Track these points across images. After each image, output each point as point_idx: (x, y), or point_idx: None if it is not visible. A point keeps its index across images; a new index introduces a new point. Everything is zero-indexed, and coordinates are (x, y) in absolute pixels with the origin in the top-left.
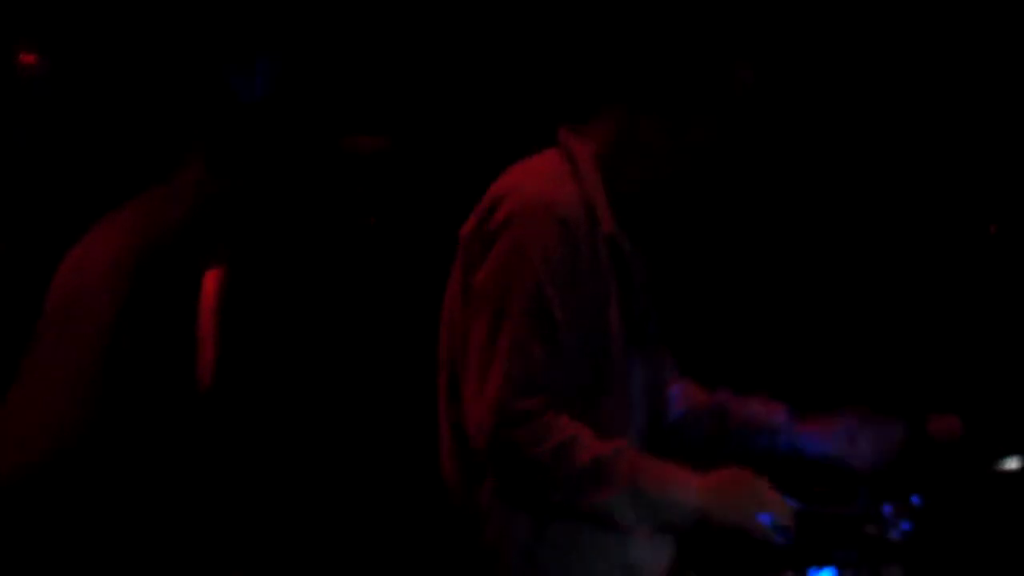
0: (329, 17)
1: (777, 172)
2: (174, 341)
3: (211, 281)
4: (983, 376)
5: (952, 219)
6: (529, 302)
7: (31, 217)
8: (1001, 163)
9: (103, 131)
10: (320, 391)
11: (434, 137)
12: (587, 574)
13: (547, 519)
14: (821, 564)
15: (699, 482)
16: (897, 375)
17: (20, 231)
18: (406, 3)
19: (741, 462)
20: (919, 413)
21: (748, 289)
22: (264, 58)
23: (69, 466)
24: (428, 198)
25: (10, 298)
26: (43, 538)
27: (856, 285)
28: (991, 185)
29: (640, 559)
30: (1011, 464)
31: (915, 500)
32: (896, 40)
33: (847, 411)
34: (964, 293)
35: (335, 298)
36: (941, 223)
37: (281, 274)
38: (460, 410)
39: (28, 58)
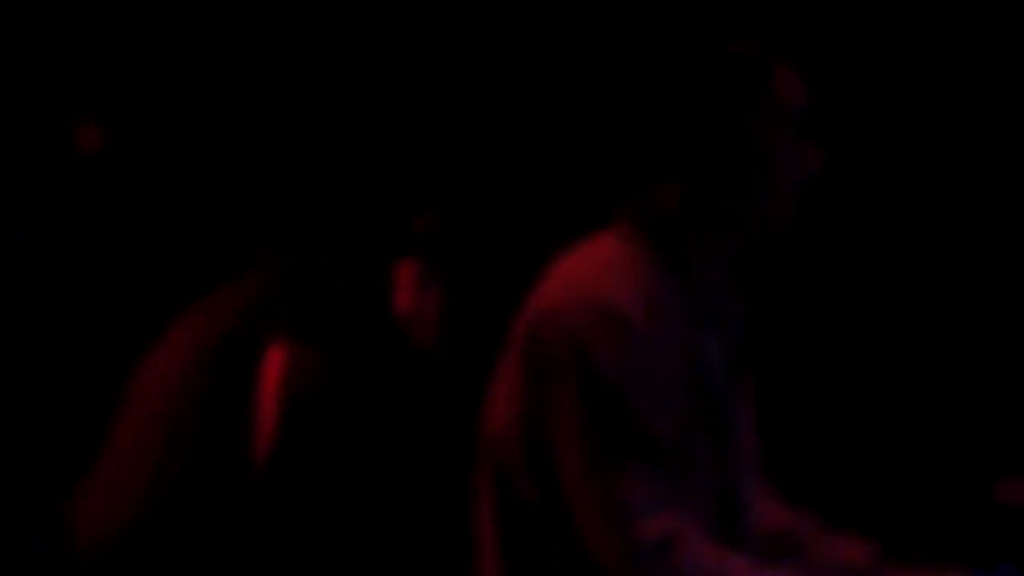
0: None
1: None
2: (239, 426)
3: (275, 361)
4: None
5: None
6: (618, 419)
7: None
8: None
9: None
10: (371, 485)
11: (481, 213)
12: None
13: None
14: None
15: None
16: (964, 441)
17: (108, 315)
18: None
19: None
20: (987, 479)
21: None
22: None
23: (146, 537)
24: (482, 279)
25: (96, 383)
26: None
27: (926, 339)
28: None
29: None
30: None
31: (1007, 568)
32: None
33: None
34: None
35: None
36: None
37: (347, 360)
38: (508, 515)
39: (87, 134)
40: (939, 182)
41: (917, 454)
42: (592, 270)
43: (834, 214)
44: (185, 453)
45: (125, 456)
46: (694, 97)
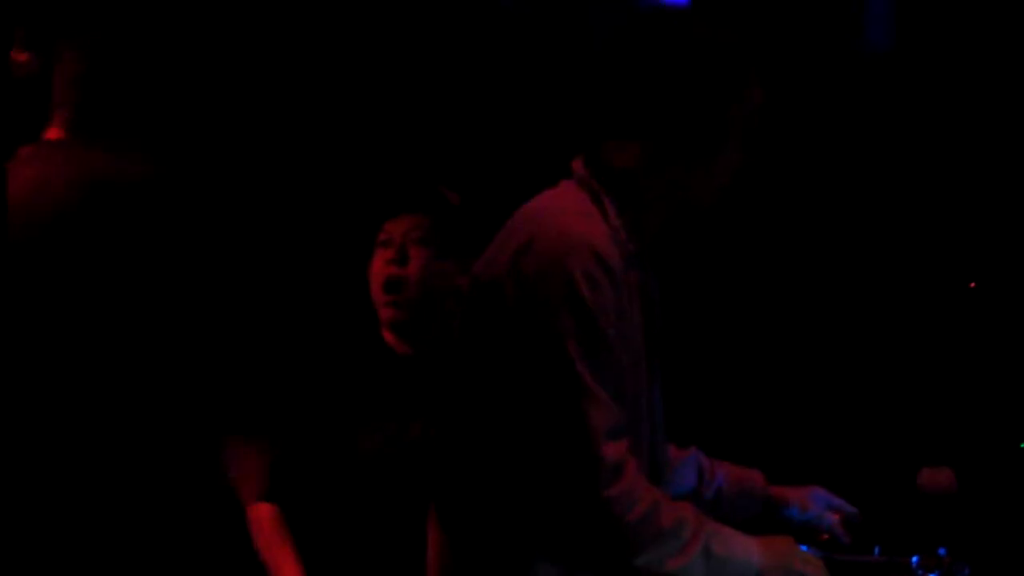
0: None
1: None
2: None
3: None
4: (976, 427)
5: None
6: (593, 349)
7: None
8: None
9: None
10: None
11: (444, 168)
12: None
13: None
14: None
15: (758, 543)
16: (890, 427)
17: None
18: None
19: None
20: (912, 465)
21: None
22: None
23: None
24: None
25: None
26: None
27: (851, 334)
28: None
29: None
30: None
31: (942, 552)
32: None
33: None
34: (953, 344)
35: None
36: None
37: None
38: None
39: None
40: (892, 176)
41: (844, 443)
42: (566, 211)
43: (781, 207)
44: None
45: None
46: (685, 66)
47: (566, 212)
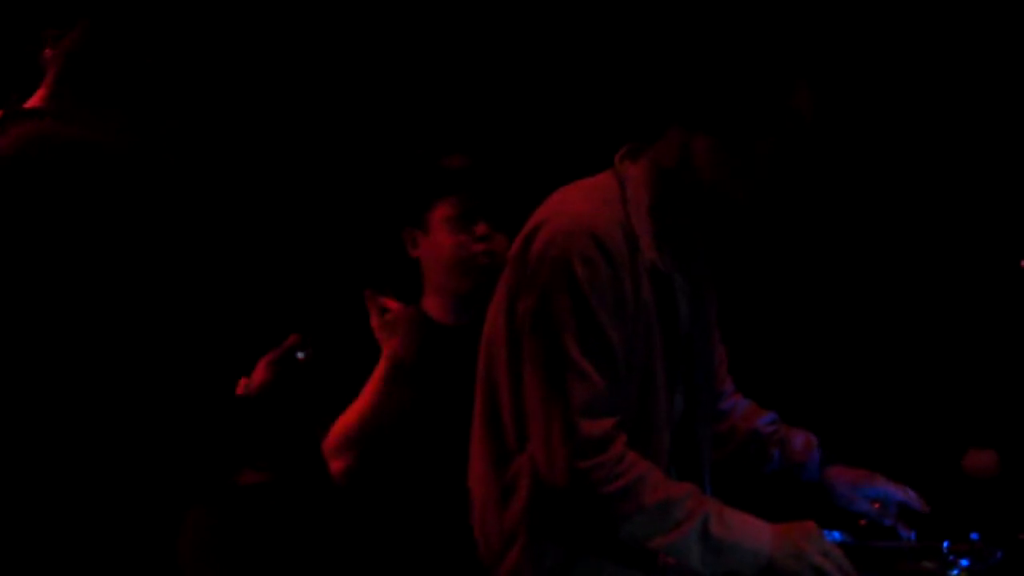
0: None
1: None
2: None
3: None
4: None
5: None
6: (583, 327)
7: None
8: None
9: None
10: None
11: (496, 156)
12: None
13: (577, 551)
14: None
15: (772, 530)
16: (935, 411)
17: None
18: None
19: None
20: (957, 448)
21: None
22: None
23: None
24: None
25: None
26: None
27: (898, 320)
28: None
29: None
30: None
31: (974, 537)
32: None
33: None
34: (997, 330)
35: None
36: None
37: None
38: (500, 433)
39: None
40: (904, 175)
41: (889, 426)
42: (583, 197)
43: (811, 207)
44: None
45: None
46: (741, 67)
47: (582, 199)
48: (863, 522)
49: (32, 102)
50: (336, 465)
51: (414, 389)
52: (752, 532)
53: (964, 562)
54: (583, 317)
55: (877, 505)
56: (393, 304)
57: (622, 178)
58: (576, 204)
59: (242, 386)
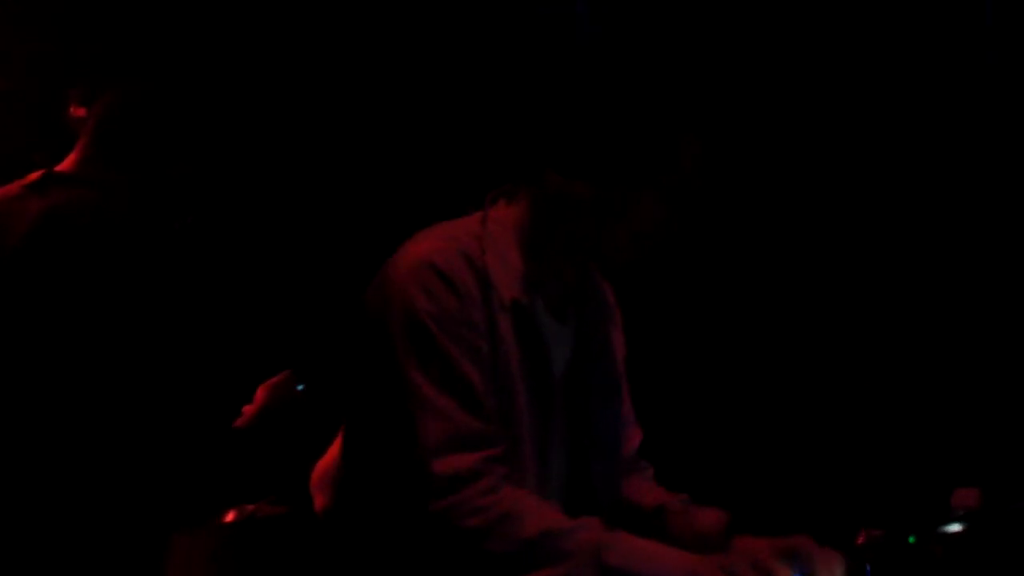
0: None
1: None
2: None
3: None
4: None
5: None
6: (431, 360)
7: None
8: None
9: None
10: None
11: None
12: None
13: None
14: None
15: (691, 561)
16: (924, 446)
17: None
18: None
19: None
20: (943, 486)
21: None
22: None
23: None
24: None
25: None
26: None
27: (885, 353)
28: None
29: None
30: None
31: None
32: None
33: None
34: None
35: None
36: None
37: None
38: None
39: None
40: (911, 184)
41: (878, 461)
42: (428, 236)
43: (801, 219)
44: None
45: None
46: (622, 116)
47: (425, 237)
48: (861, 540)
49: (66, 166)
50: (319, 501)
51: None
52: (661, 563)
53: None
54: (430, 349)
55: None
56: None
57: (485, 217)
58: (414, 247)
59: (244, 415)
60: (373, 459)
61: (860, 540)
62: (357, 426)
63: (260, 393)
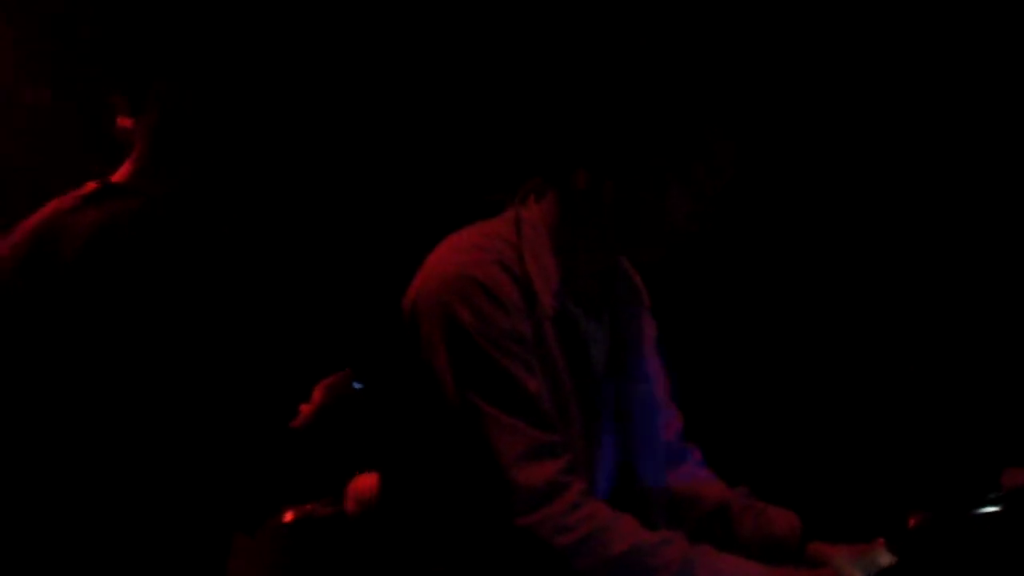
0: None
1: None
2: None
3: None
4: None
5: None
6: (486, 374)
7: None
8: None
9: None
10: None
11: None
12: None
13: None
14: None
15: (772, 573)
16: (975, 427)
17: None
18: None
19: None
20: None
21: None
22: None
23: None
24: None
25: None
26: None
27: (933, 336)
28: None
29: None
30: None
31: None
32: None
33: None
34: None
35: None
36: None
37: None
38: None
39: None
40: (928, 180)
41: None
42: (465, 249)
43: (832, 214)
44: None
45: None
46: (649, 114)
47: (460, 249)
48: (913, 523)
49: (121, 176)
50: (351, 506)
51: None
52: (751, 573)
53: None
54: (488, 370)
55: None
56: None
57: (519, 220)
58: (452, 258)
59: (302, 414)
60: (435, 471)
61: (911, 524)
62: (414, 437)
63: (317, 393)
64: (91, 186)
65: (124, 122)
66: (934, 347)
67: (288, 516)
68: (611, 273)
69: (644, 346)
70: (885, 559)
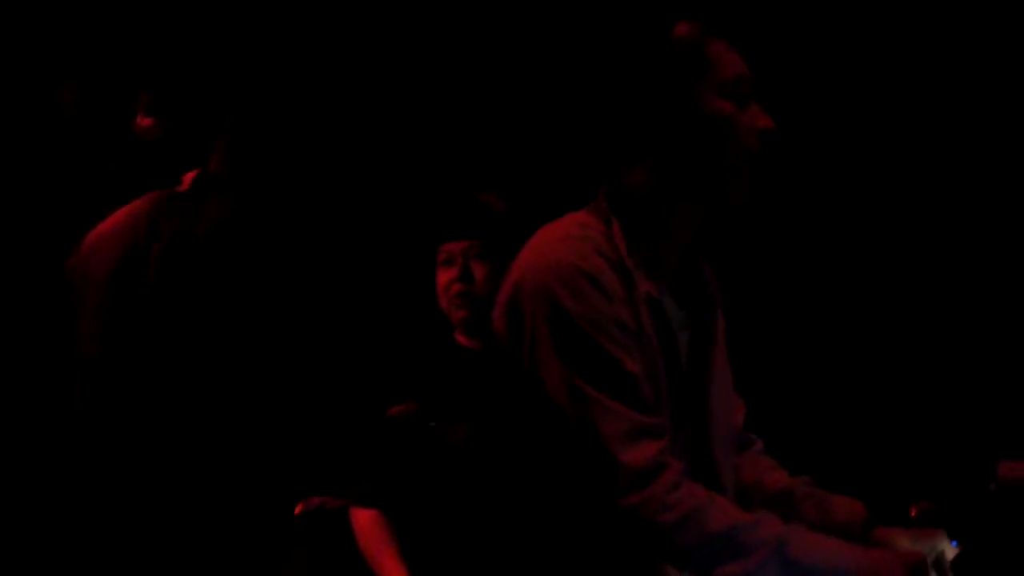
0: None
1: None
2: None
3: None
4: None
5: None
6: (588, 357)
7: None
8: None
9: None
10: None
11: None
12: None
13: None
14: None
15: (856, 553)
16: (970, 419)
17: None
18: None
19: None
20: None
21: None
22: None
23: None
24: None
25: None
26: None
27: (929, 327)
28: None
29: None
30: None
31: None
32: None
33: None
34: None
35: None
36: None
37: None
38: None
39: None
40: (929, 172)
41: (921, 435)
42: (561, 239)
43: (832, 214)
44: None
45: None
46: (642, 82)
47: (559, 239)
48: (914, 513)
49: (214, 170)
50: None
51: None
52: (840, 557)
53: None
54: (586, 349)
55: None
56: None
57: (607, 214)
58: (550, 249)
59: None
60: (532, 454)
61: (913, 514)
62: (511, 423)
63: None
64: (187, 180)
65: (144, 121)
66: (932, 345)
67: (297, 509)
68: (692, 264)
69: (720, 338)
70: (947, 547)
